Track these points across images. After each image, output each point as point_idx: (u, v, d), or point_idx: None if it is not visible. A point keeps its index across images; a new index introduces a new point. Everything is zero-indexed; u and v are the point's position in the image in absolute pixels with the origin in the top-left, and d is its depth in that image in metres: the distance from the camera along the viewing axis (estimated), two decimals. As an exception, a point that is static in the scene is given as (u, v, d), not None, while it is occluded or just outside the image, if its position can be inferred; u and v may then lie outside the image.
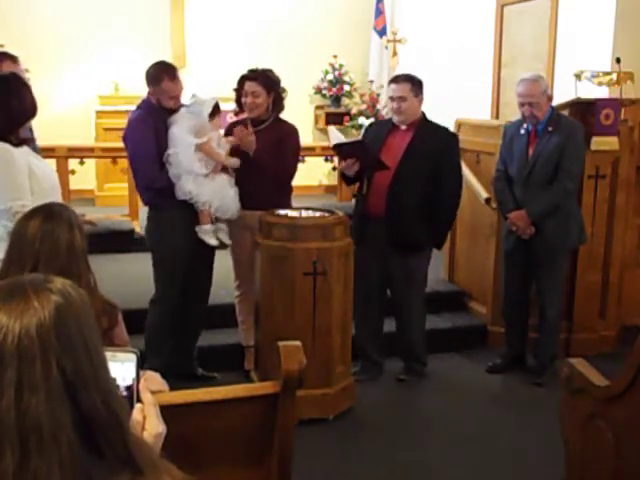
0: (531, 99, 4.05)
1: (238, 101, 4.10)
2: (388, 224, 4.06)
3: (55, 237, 2.02)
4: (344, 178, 4.35)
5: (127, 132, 3.90)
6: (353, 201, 6.90)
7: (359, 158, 4.06)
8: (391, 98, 4.15)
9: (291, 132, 4.11)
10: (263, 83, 3.98)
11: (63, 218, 2.07)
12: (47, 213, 2.08)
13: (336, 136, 4.24)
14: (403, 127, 4.14)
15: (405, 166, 4.03)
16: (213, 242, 3.94)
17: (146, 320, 3.94)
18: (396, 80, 4.16)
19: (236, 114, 4.34)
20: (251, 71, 4.07)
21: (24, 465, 0.87)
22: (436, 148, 4.04)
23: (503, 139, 4.35)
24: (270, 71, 4.08)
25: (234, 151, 3.98)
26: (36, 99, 3.04)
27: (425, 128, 4.13)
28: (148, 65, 3.92)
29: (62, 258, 2.01)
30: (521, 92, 4.10)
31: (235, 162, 3.94)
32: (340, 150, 4.22)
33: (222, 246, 4.07)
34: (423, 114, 4.18)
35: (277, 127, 4.06)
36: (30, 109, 3.02)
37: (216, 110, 3.92)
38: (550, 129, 4.11)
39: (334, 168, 7.65)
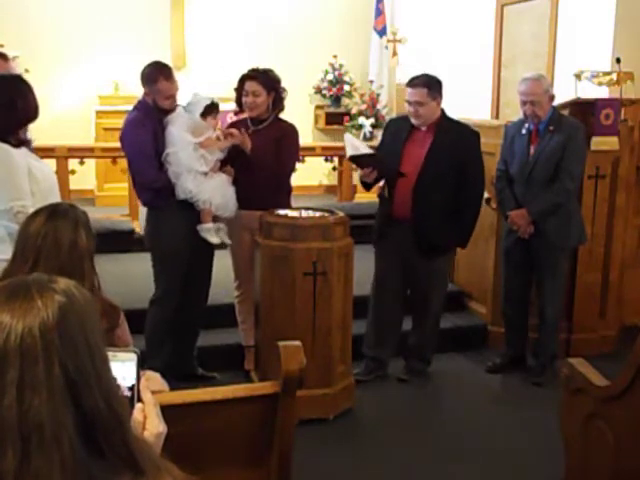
0: (533, 98, 4.05)
1: (238, 101, 4.10)
2: (415, 228, 4.02)
3: (58, 235, 2.02)
4: (362, 184, 4.27)
5: (124, 133, 3.88)
6: (353, 201, 7.04)
7: (376, 167, 4.04)
8: (408, 102, 4.05)
9: (290, 131, 4.11)
10: (263, 82, 3.98)
11: (69, 217, 2.07)
12: (52, 211, 2.08)
13: (352, 145, 4.12)
14: (423, 128, 4.07)
15: (427, 170, 3.97)
16: (215, 240, 3.92)
17: (146, 320, 3.94)
18: (413, 84, 4.03)
19: (236, 114, 4.34)
20: (251, 70, 4.07)
21: (25, 465, 0.87)
22: (458, 148, 3.99)
23: (504, 139, 4.34)
24: (270, 71, 4.08)
25: (233, 150, 3.98)
26: (38, 101, 3.04)
27: (446, 128, 4.04)
28: (148, 65, 3.92)
29: (64, 256, 2.01)
30: (523, 91, 4.10)
31: (228, 143, 3.90)
32: (356, 161, 4.14)
33: (222, 245, 4.06)
34: (443, 112, 4.09)
35: (277, 126, 4.06)
36: (33, 111, 3.02)
37: (210, 110, 3.90)
38: (551, 129, 4.10)
39: (334, 168, 7.65)
